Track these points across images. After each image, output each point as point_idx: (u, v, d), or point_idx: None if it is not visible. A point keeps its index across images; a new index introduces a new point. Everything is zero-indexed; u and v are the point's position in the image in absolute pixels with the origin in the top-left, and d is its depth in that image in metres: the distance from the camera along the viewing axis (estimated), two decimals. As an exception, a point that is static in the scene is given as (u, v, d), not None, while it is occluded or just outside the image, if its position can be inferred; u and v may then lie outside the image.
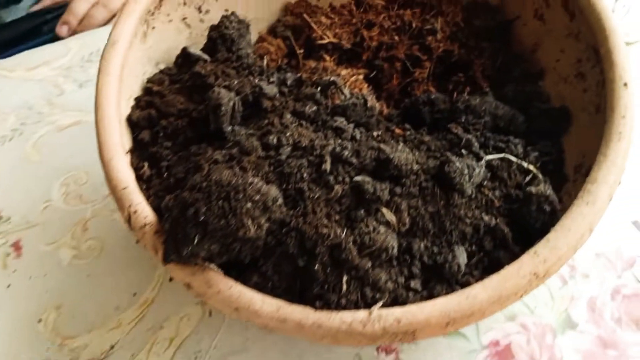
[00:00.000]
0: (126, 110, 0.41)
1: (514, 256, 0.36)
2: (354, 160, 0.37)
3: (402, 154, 0.36)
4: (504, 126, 0.42)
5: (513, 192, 0.38)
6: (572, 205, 0.35)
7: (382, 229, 0.34)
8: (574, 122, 0.43)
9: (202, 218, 0.30)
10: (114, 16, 0.80)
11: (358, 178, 0.35)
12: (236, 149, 0.36)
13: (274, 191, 0.33)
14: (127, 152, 0.38)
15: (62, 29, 0.79)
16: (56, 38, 0.78)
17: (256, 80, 0.42)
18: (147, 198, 0.36)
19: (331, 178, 0.36)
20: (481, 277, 0.34)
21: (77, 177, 0.54)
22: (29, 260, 0.49)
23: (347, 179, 0.36)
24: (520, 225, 0.37)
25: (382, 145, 0.36)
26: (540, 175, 0.39)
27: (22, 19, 0.84)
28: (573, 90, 0.44)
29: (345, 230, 0.34)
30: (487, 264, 0.36)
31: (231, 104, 0.37)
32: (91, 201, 0.52)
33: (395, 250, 0.34)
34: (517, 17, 0.50)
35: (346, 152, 0.37)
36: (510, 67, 0.48)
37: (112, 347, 0.43)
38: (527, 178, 0.39)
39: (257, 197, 0.32)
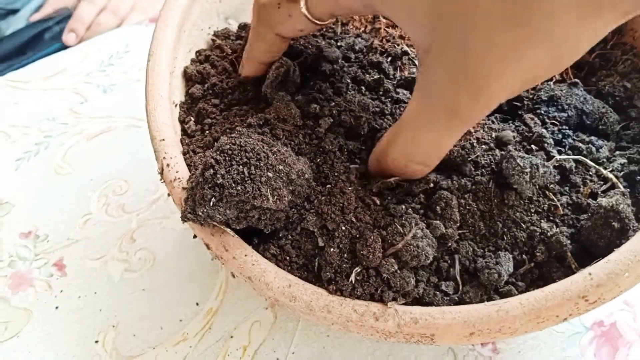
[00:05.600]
0: (185, 62, 0.40)
1: (569, 272, 0.31)
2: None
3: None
4: (590, 124, 0.36)
5: (584, 201, 0.33)
6: (647, 226, 0.29)
7: (419, 232, 0.30)
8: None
9: (219, 181, 0.29)
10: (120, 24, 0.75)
11: None
12: (273, 114, 0.34)
13: (301, 164, 0.31)
14: (176, 105, 0.38)
15: (69, 37, 0.75)
16: (62, 47, 0.74)
17: (323, 43, 0.39)
18: (186, 153, 0.36)
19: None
20: (526, 290, 0.30)
21: (116, 187, 0.50)
22: (75, 279, 0.45)
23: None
24: (586, 240, 0.32)
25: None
26: (620, 186, 0.33)
27: (23, 29, 0.79)
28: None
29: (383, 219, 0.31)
30: (537, 276, 0.32)
31: (282, 69, 0.35)
32: (135, 210, 0.49)
33: (430, 258, 0.30)
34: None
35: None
36: (616, 58, 0.41)
37: (181, 362, 0.40)
38: (604, 187, 0.33)
39: (280, 167, 0.30)
